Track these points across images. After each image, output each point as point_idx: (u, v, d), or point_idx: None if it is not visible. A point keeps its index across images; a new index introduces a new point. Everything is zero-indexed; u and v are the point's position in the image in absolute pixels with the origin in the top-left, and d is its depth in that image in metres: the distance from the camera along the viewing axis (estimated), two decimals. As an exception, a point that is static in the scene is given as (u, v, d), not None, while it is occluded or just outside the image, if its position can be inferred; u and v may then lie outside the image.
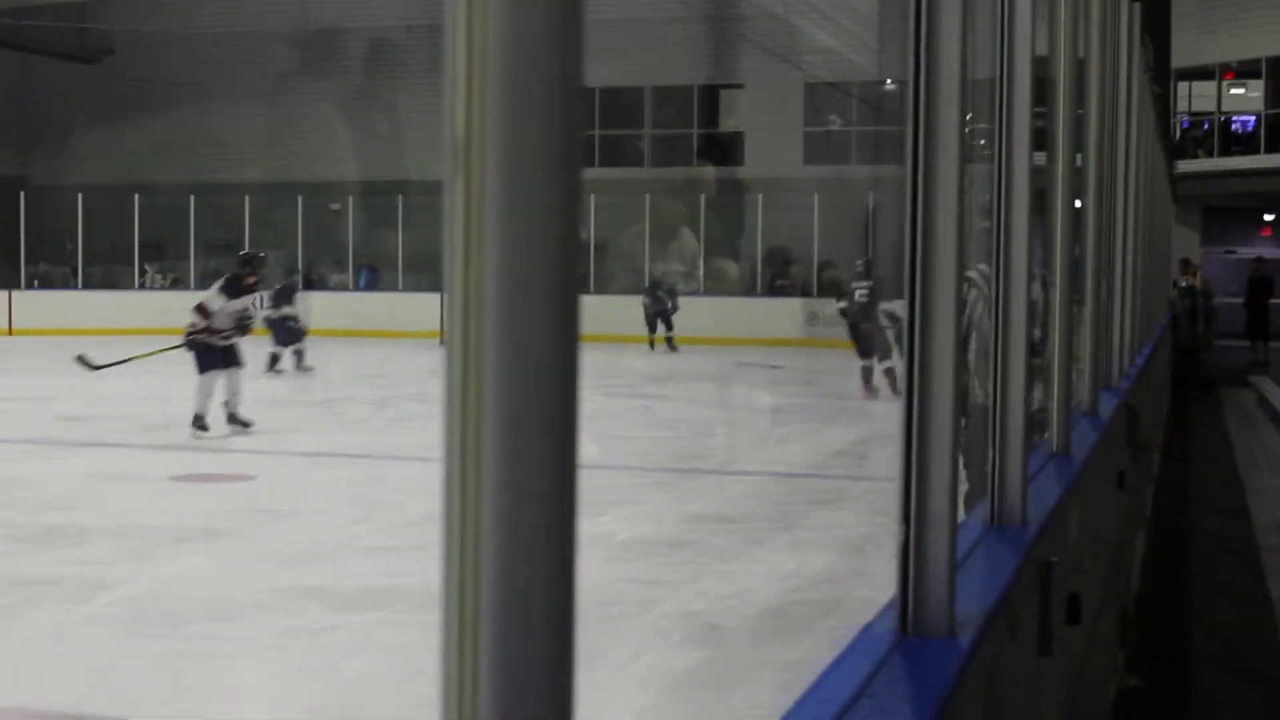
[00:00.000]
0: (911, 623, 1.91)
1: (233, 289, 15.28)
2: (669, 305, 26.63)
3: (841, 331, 19.29)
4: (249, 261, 16.31)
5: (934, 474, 1.90)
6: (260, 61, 34.95)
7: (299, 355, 21.89)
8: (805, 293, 29.23)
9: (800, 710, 1.59)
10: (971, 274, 7.09)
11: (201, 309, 15.05)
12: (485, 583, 0.81)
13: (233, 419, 14.61)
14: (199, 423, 14.30)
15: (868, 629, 1.95)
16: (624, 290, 31.68)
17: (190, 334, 15.05)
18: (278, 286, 22.60)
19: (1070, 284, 4.02)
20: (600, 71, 34.42)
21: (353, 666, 6.39)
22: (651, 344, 26.34)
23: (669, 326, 26.64)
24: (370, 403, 17.83)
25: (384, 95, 34.74)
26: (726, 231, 32.41)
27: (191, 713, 5.63)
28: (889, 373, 15.89)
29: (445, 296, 0.83)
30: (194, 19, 35.28)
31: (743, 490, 11.29)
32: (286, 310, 21.97)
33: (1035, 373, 3.98)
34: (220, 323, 14.99)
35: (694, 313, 29.00)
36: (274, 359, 21.34)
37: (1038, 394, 6.27)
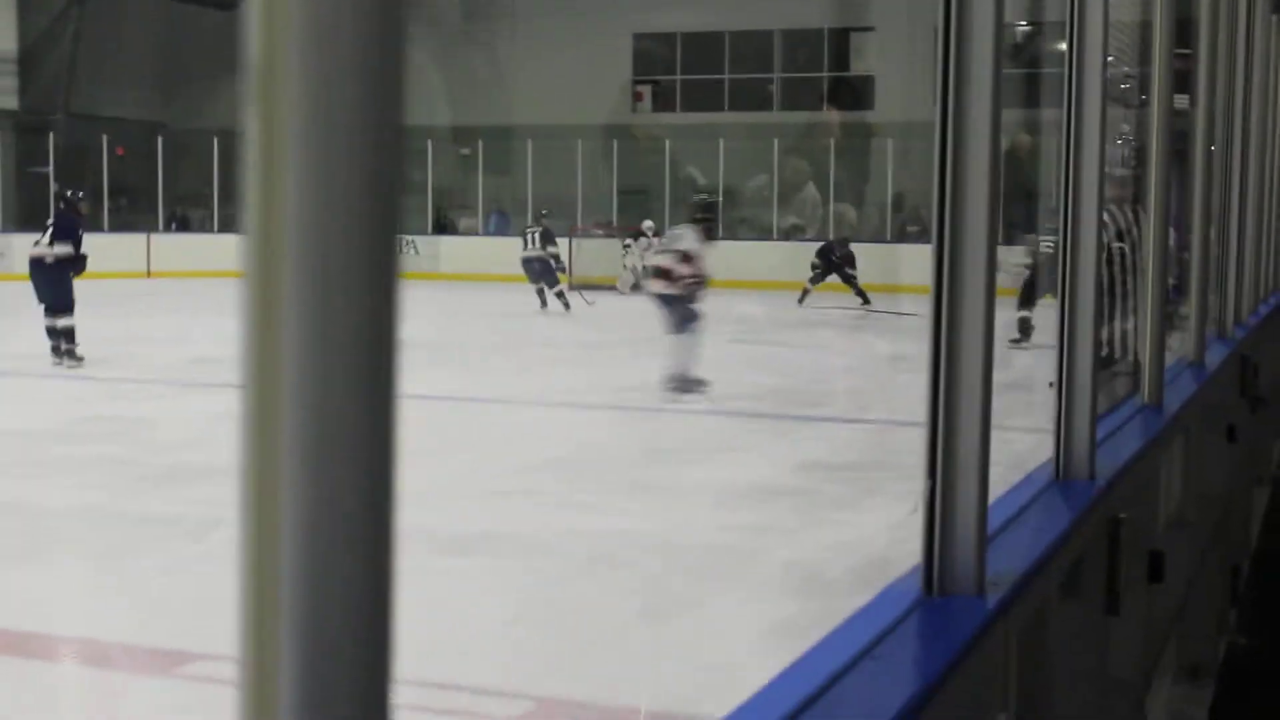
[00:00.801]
0: (937, 581, 1.84)
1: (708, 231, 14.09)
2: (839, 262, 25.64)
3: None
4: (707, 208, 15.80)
5: (962, 425, 1.83)
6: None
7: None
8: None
9: (797, 668, 1.53)
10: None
11: (689, 257, 13.43)
12: (285, 581, 0.74)
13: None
14: (696, 386, 12.95)
15: (892, 587, 1.89)
16: (750, 236, 31.55)
17: (691, 284, 13.38)
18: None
19: (1164, 230, 3.88)
20: (730, 16, 34.26)
21: (455, 609, 6.42)
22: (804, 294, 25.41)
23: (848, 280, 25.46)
24: (493, 347, 17.93)
25: (516, 42, 34.77)
26: (851, 176, 32.07)
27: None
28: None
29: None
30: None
31: (861, 438, 11.17)
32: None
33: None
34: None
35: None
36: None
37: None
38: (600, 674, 5.59)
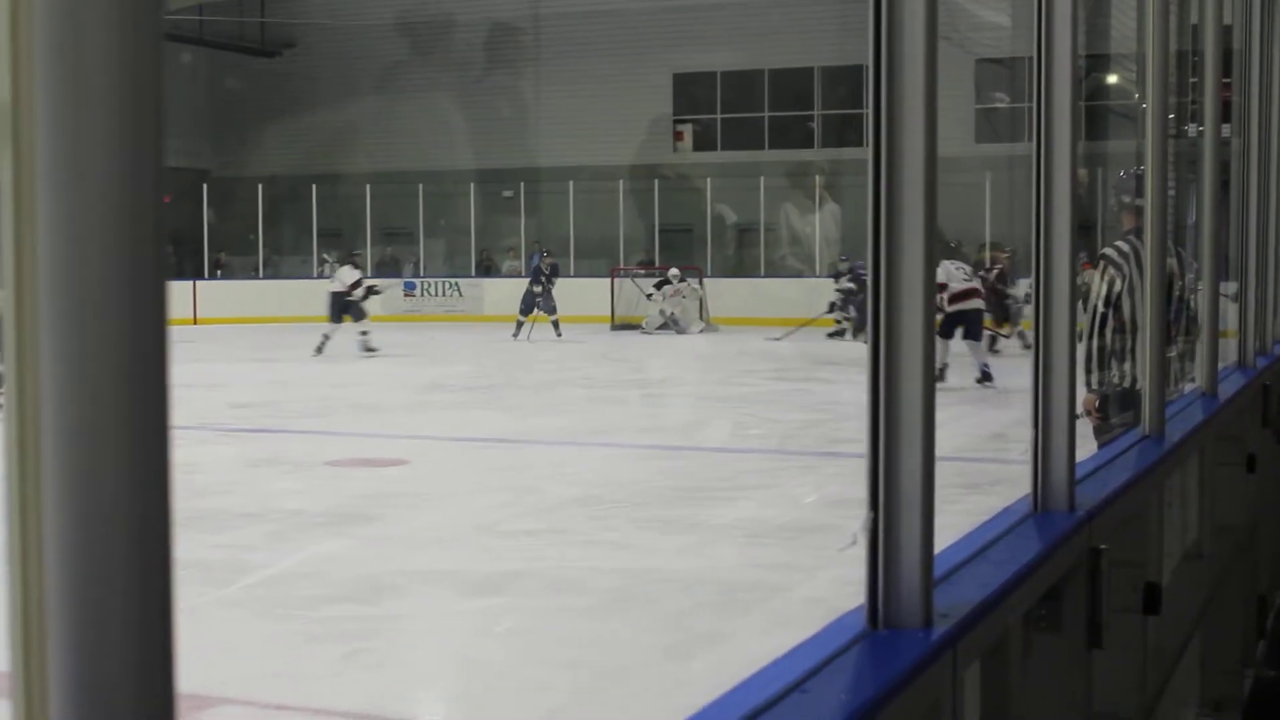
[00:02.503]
0: (882, 615, 1.83)
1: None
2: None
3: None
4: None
5: (904, 454, 1.81)
6: (437, 52, 35.41)
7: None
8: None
9: (724, 701, 1.52)
10: (1108, 251, 6.88)
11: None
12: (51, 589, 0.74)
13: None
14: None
15: (836, 622, 1.87)
16: (791, 273, 31.57)
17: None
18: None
19: (1162, 257, 3.85)
20: (769, 55, 34.35)
21: (482, 649, 6.41)
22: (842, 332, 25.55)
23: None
24: (530, 387, 17.97)
25: (557, 83, 34.96)
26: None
27: (305, 693, 5.69)
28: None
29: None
30: (373, 11, 35.81)
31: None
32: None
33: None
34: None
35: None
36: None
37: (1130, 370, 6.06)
38: (621, 712, 5.57)
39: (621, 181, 33.26)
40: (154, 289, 0.74)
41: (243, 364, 22.38)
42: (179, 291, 31.03)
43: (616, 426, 14.00)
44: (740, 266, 33.86)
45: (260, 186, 34.31)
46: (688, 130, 36.52)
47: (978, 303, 16.83)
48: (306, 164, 35.07)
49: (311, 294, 33.00)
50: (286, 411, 15.39)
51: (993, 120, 31.90)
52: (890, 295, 1.80)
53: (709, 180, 33.28)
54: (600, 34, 35.12)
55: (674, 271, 27.71)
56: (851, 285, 24.71)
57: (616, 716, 5.53)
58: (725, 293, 28.55)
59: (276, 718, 5.49)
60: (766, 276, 31.77)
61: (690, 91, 36.18)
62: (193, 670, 4.31)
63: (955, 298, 16.55)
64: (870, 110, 1.80)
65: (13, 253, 0.72)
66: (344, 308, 23.13)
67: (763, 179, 32.44)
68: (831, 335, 24.91)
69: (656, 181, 33.41)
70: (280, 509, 9.53)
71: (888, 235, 1.79)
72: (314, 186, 34.16)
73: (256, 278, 34.82)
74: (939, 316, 16.88)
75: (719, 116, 36.17)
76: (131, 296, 0.72)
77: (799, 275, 31.55)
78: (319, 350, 22.48)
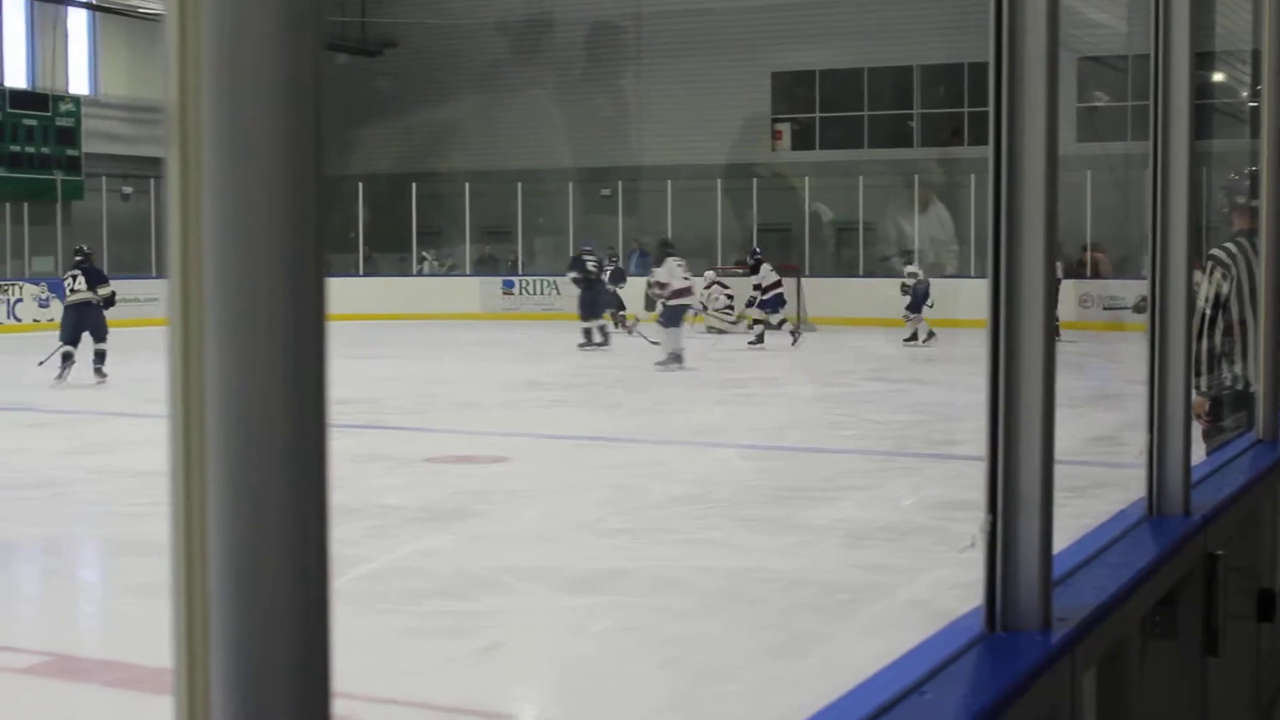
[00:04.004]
0: (1000, 617, 1.82)
1: None
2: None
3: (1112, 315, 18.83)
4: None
5: (1023, 456, 1.81)
6: (537, 51, 35.57)
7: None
8: (1075, 274, 28.46)
9: (843, 703, 1.52)
10: (1217, 252, 6.79)
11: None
12: (214, 589, 0.76)
13: None
14: None
15: (953, 624, 1.87)
16: (891, 273, 31.39)
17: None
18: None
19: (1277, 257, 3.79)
20: (869, 53, 34.17)
21: (582, 647, 6.44)
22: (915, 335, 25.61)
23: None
24: (627, 386, 18.01)
25: (656, 82, 35.00)
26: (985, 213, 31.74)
27: (406, 687, 5.74)
28: None
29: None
30: (474, 10, 36.01)
31: (993, 476, 11.05)
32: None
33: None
34: None
35: (955, 294, 28.55)
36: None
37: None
38: (721, 712, 5.58)
39: (719, 180, 33.22)
40: (315, 285, 0.76)
41: (343, 360, 22.52)
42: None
43: (715, 426, 14.00)
44: (839, 266, 33.72)
45: (360, 185, 34.60)
46: (786, 129, 36.41)
47: (690, 299, 20.70)
48: (407, 162, 35.35)
49: (411, 291, 33.30)
50: (387, 408, 15.51)
51: (1094, 119, 31.54)
52: (1010, 298, 1.79)
53: (807, 179, 33.16)
54: (699, 33, 35.08)
55: (709, 273, 27.26)
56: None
57: (719, 715, 5.53)
58: (824, 293, 28.42)
59: (379, 712, 5.54)
60: (866, 276, 31.60)
61: (789, 90, 36.06)
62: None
63: (675, 294, 20.14)
64: (991, 110, 1.79)
65: (179, 249, 0.73)
66: None
67: (861, 178, 32.28)
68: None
69: (754, 180, 33.34)
70: (381, 505, 9.62)
71: (1008, 237, 1.79)
72: (414, 185, 34.42)
73: (356, 275, 35.12)
74: (659, 308, 20.55)
75: (818, 115, 36.03)
76: (293, 292, 0.74)
77: (900, 275, 31.35)
78: None
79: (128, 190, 35.88)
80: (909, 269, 26.47)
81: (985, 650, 1.75)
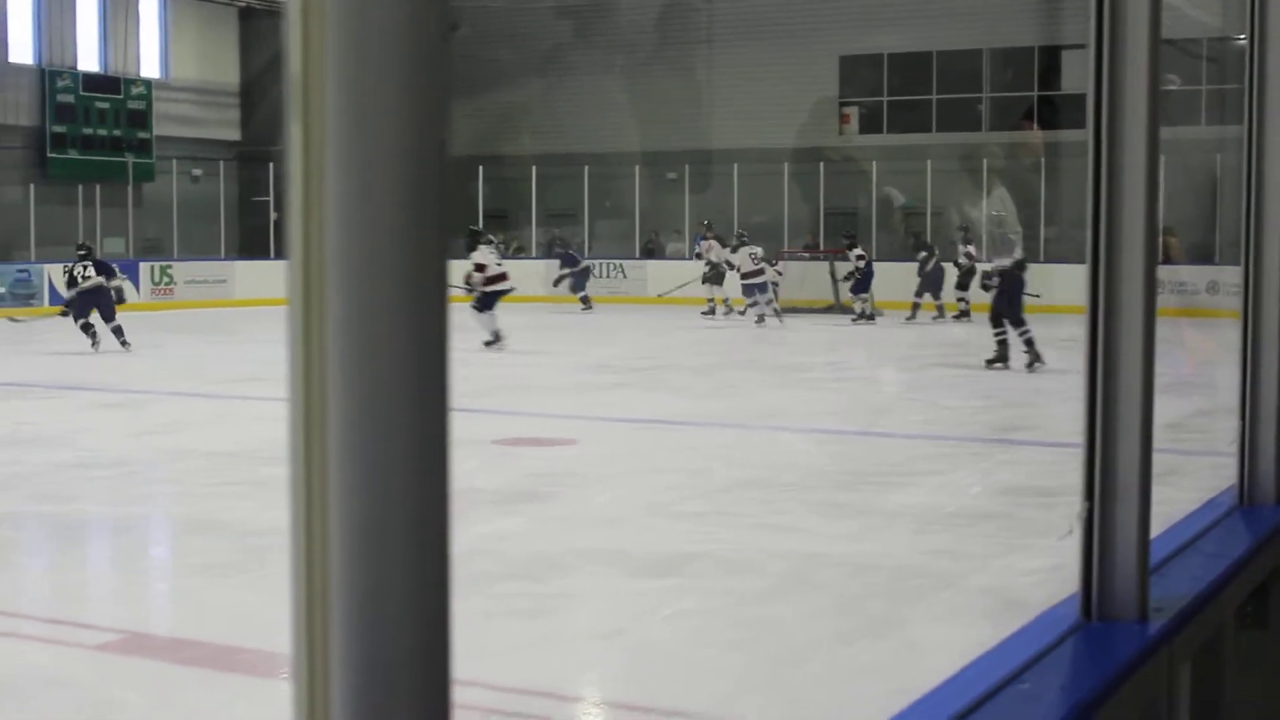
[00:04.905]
0: (1096, 606, 1.79)
1: None
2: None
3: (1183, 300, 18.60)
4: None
5: (1121, 442, 1.77)
6: (603, 33, 35.55)
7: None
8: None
9: (942, 692, 1.50)
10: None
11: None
12: (335, 586, 0.75)
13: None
14: None
15: (1048, 612, 1.84)
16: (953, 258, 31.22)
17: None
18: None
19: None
20: (938, 36, 33.94)
21: (650, 630, 6.44)
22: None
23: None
24: (694, 370, 17.98)
25: (723, 66, 34.91)
26: (1068, 196, 31.51)
27: (480, 669, 5.75)
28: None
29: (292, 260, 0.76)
30: (541, -7, 36.07)
31: (1061, 463, 10.93)
32: None
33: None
34: None
35: (1028, 279, 28.35)
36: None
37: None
38: (793, 696, 5.56)
39: (786, 164, 33.10)
40: (437, 262, 0.75)
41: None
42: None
43: (783, 410, 13.95)
44: (907, 250, 33.55)
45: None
46: (854, 113, 36.22)
47: (508, 284, 21.31)
48: (473, 145, 35.41)
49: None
50: (455, 390, 15.56)
51: (1165, 103, 31.18)
52: (1110, 284, 1.76)
53: (875, 163, 32.99)
54: (767, 16, 34.95)
55: (754, 249, 26.99)
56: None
57: (790, 701, 5.52)
58: (892, 276, 28.24)
59: (453, 692, 5.56)
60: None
61: (857, 73, 35.87)
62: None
63: (491, 280, 21.02)
64: (1091, 95, 1.76)
65: (300, 220, 0.72)
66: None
67: (929, 162, 32.08)
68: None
69: (822, 164, 33.20)
70: (453, 487, 9.64)
71: (1108, 224, 1.75)
72: (480, 168, 34.48)
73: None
74: (476, 294, 20.96)
75: (886, 99, 35.83)
76: (416, 269, 0.73)
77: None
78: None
79: (197, 173, 36.17)
80: (855, 252, 26.68)
81: (1082, 640, 1.72)
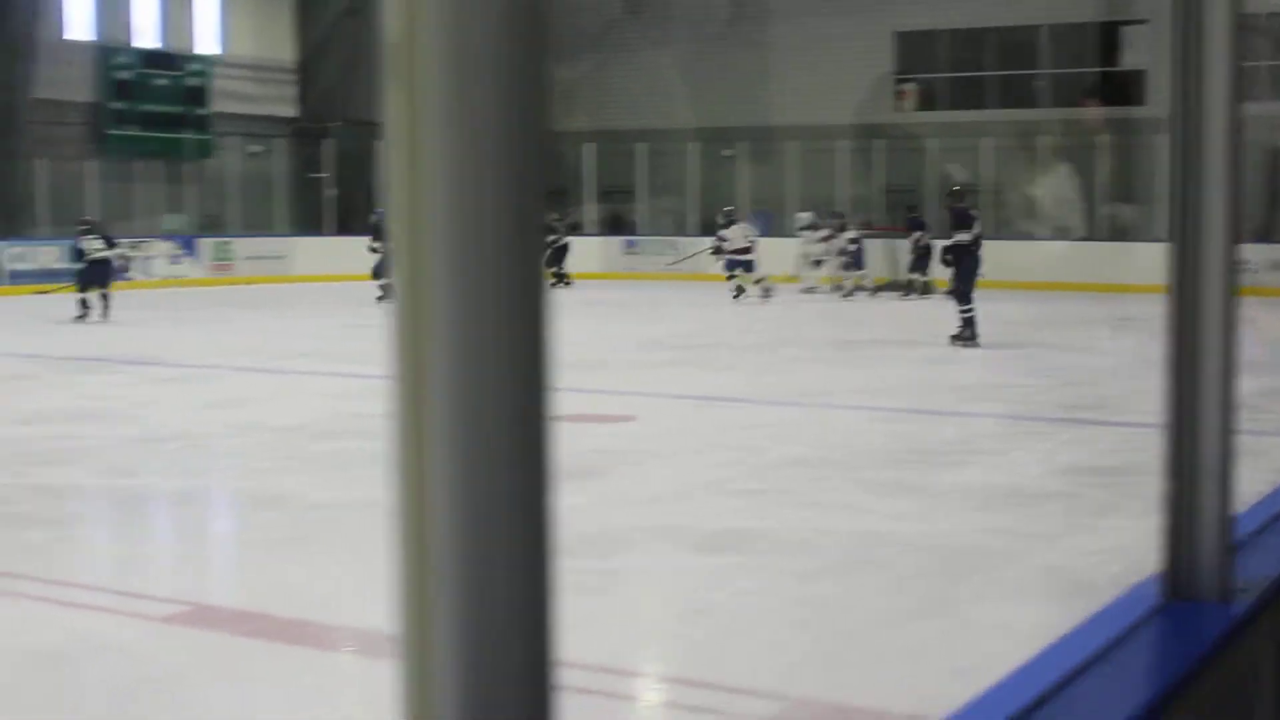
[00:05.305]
0: (1178, 586, 1.79)
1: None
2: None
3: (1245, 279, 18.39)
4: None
5: (1203, 421, 1.77)
6: (658, 10, 35.48)
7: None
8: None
9: (1027, 670, 1.50)
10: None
11: None
12: (443, 574, 0.75)
13: None
14: None
15: (1130, 592, 1.84)
16: (1014, 236, 31.04)
17: None
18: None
19: None
20: (995, 11, 33.70)
21: (707, 607, 6.46)
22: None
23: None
24: (750, 347, 17.97)
25: (780, 42, 34.76)
26: (1117, 174, 31.25)
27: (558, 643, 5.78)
28: None
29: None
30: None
31: (1125, 442, 10.88)
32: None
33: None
34: None
35: (1087, 257, 28.26)
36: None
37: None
38: (854, 675, 5.56)
39: (844, 141, 32.94)
40: (535, 224, 0.75)
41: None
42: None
43: (839, 388, 13.93)
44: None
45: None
46: (911, 89, 36.02)
47: None
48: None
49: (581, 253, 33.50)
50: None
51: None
52: (1190, 263, 1.75)
53: (932, 140, 32.79)
54: (823, -9, 34.83)
55: (747, 227, 26.93)
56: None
57: (851, 679, 5.52)
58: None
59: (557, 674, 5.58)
60: (990, 239, 31.18)
61: (914, 50, 35.66)
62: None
63: None
64: (1171, 71, 1.75)
65: (405, 189, 0.73)
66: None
67: (988, 139, 31.87)
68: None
69: (879, 141, 33.04)
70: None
71: (1185, 204, 1.75)
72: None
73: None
74: None
75: (943, 75, 35.61)
76: (517, 230, 0.73)
77: (1028, 238, 30.98)
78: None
79: (254, 149, 36.35)
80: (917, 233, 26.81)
81: (1166, 620, 1.72)
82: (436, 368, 0.74)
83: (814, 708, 5.27)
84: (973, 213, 18.75)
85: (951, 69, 35.44)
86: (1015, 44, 34.45)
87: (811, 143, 32.84)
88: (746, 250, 25.66)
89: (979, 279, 18.12)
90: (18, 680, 5.51)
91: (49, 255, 28.41)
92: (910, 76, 35.87)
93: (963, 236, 18.29)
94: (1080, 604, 6.25)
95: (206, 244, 32.22)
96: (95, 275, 22.54)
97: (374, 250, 21.67)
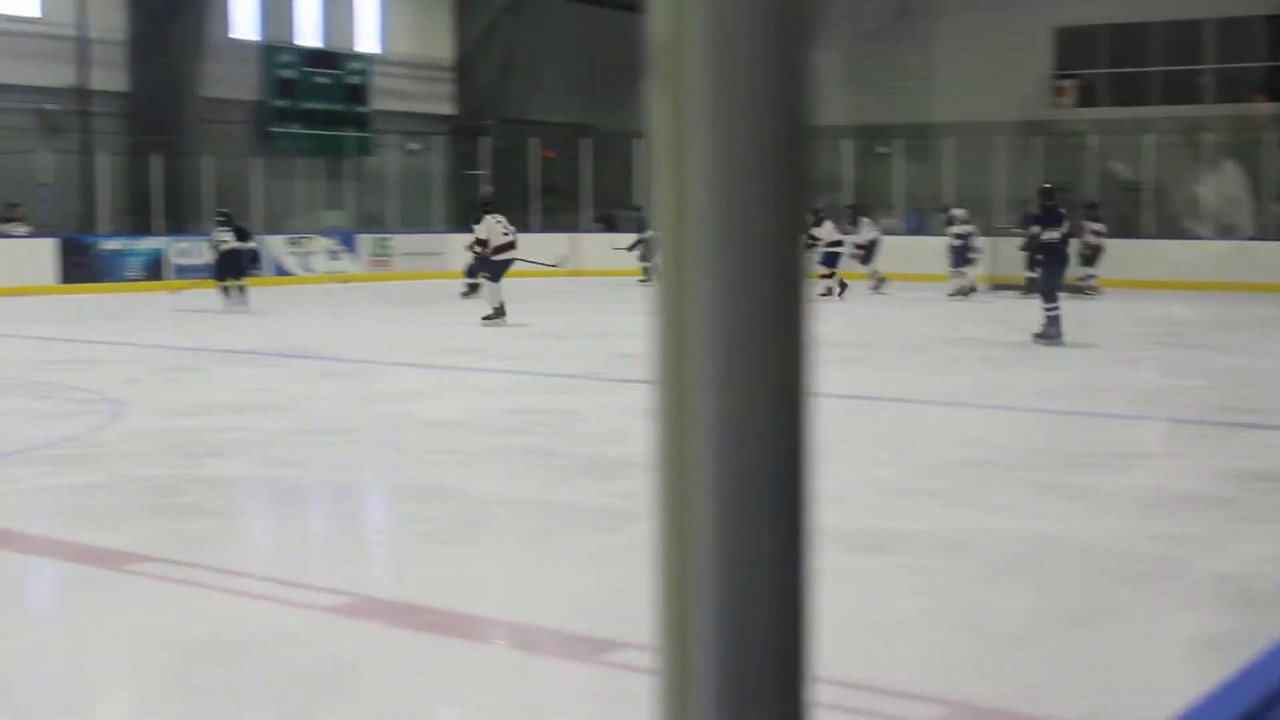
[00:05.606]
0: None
1: None
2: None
3: None
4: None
5: None
6: (819, 4, 35.28)
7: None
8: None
9: (1233, 687, 1.46)
10: None
11: None
12: (702, 576, 0.74)
13: None
14: None
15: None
16: (1179, 234, 30.41)
17: None
18: None
19: None
20: (1157, 6, 33.05)
21: (866, 608, 6.40)
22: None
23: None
24: (908, 346, 17.81)
25: (937, 39, 34.43)
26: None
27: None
28: None
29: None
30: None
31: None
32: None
33: None
34: None
35: (1254, 257, 27.59)
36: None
37: None
38: (1018, 680, 5.48)
39: (1001, 138, 32.53)
40: (798, 225, 0.74)
41: (624, 315, 22.86)
42: (559, 244, 31.82)
43: (1002, 388, 13.75)
44: (1125, 227, 32.79)
45: (636, 142, 34.88)
46: (1070, 86, 35.47)
47: (514, 253, 20.90)
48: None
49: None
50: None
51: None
52: None
53: (1092, 138, 32.25)
54: (982, -12, 34.46)
55: (958, 212, 26.65)
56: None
57: (1019, 686, 5.43)
58: (1110, 254, 27.60)
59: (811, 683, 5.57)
60: (1152, 238, 30.62)
61: (1073, 46, 35.12)
62: (595, 612, 4.46)
63: (499, 249, 20.59)
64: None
65: (671, 190, 0.72)
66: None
67: (1149, 136, 31.27)
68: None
69: (1037, 139, 32.57)
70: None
71: None
72: (694, 142, 34.49)
73: (634, 231, 35.42)
74: (481, 264, 20.97)
75: (1103, 71, 35.01)
76: (780, 232, 0.72)
77: (1193, 237, 30.35)
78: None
79: (414, 147, 36.82)
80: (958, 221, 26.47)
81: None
82: (699, 368, 0.73)
83: (978, 713, 5.20)
84: (1061, 210, 18.51)
85: (1112, 65, 34.83)
86: (1178, 38, 33.78)
87: (968, 139, 32.46)
88: (839, 243, 25.91)
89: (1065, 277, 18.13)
90: (189, 668, 5.63)
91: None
92: (1070, 73, 35.32)
93: (1052, 234, 18.04)
94: (1254, 614, 6.11)
95: (365, 240, 32.69)
96: (227, 266, 23.65)
97: (474, 250, 21.92)
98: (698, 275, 0.74)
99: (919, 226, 33.12)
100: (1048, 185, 19.92)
